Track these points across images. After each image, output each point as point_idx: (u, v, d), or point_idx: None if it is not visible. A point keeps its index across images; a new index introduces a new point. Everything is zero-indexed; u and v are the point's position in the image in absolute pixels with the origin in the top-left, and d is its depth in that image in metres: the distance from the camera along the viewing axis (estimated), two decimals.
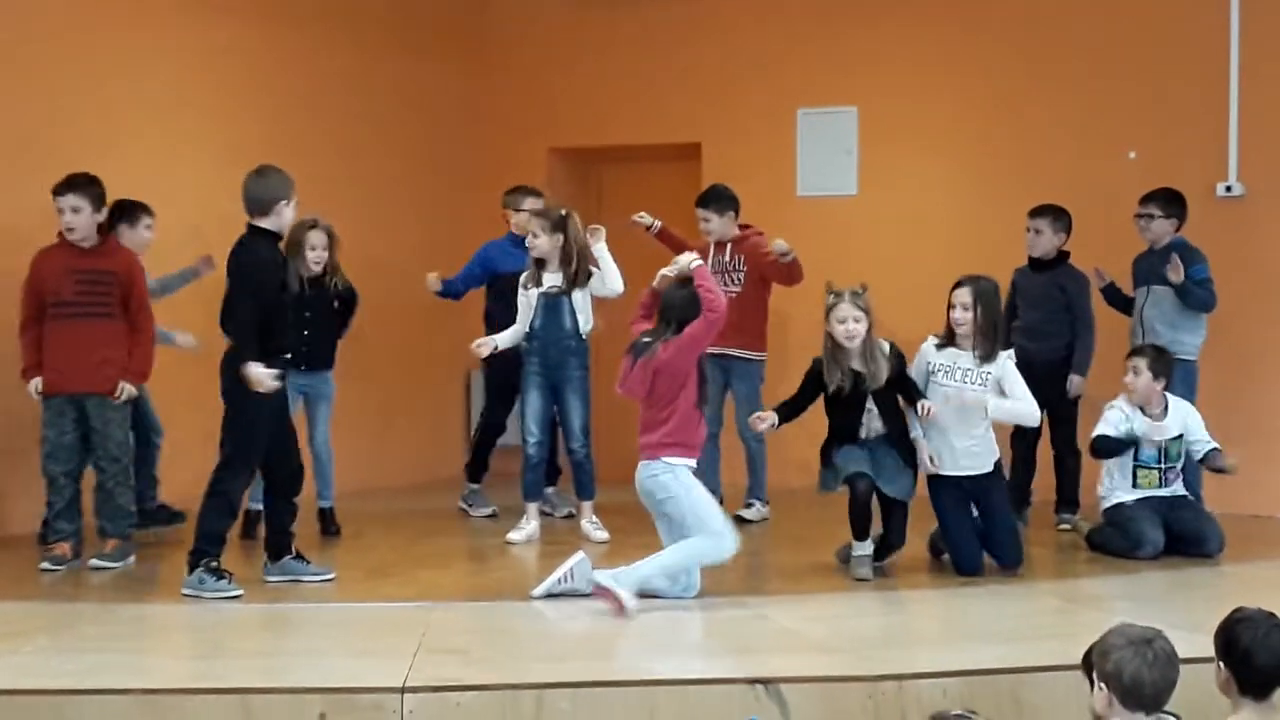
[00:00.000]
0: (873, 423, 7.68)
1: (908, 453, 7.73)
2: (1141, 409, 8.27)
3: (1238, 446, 9.54)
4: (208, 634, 6.50)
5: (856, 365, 7.60)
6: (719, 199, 9.44)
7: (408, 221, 10.96)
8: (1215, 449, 8.32)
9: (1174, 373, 8.44)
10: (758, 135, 11.06)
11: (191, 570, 7.06)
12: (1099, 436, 8.30)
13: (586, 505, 8.76)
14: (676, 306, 7.01)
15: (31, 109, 8.75)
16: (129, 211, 8.45)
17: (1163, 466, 8.32)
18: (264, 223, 7.19)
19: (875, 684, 5.48)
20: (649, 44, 11.41)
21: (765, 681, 5.41)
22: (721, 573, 7.28)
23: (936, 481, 7.76)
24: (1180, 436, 8.32)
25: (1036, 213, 9.23)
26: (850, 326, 7.53)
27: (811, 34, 10.97)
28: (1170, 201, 9.15)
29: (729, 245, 9.40)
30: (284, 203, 7.21)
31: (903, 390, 7.74)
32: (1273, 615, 4.58)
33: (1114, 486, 8.32)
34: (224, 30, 9.84)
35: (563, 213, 8.55)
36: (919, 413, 7.64)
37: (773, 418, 7.63)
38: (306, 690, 5.30)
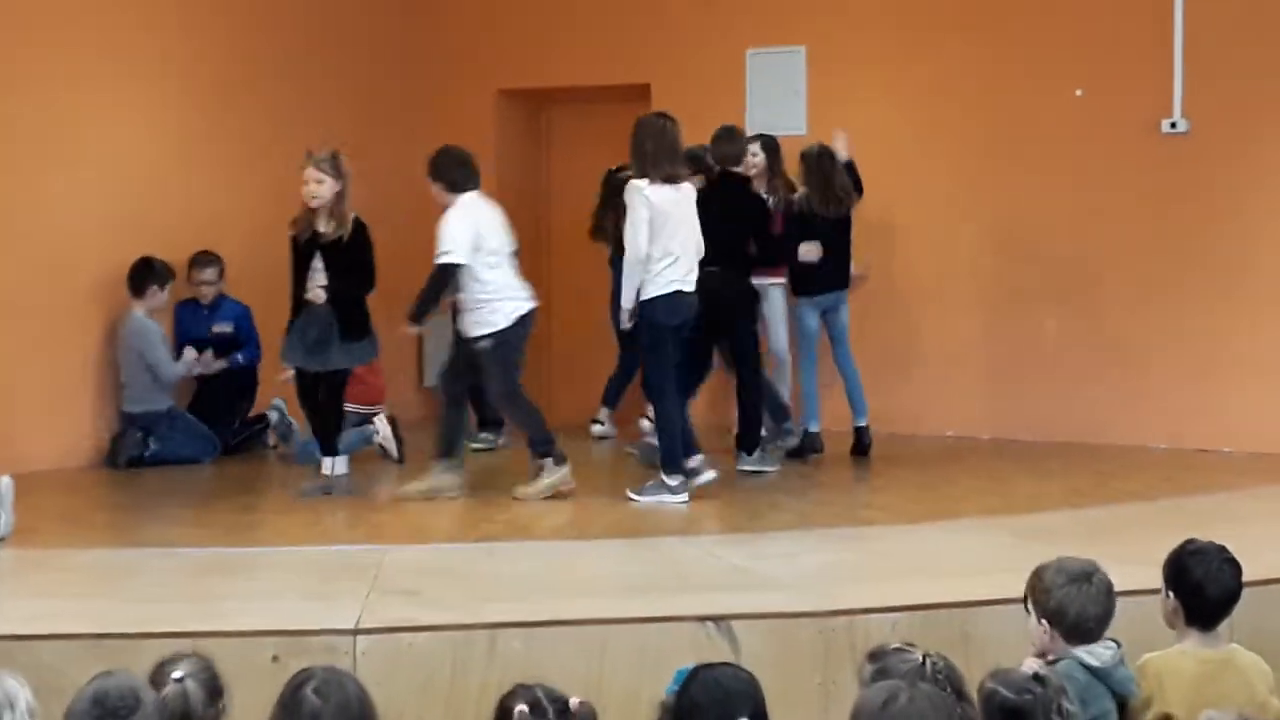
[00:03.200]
0: (316, 281, 8.10)
1: (349, 324, 8.12)
2: None
3: (1182, 381, 9.68)
4: (158, 578, 6.47)
5: (320, 225, 8.12)
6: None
7: (352, 165, 10.79)
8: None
9: None
10: (707, 76, 11.00)
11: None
12: None
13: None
14: None
15: None
16: None
17: None
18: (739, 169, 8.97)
19: (826, 619, 5.53)
20: None
21: (716, 618, 5.45)
22: (669, 513, 7.31)
23: None
24: None
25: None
26: (311, 188, 8.09)
27: None
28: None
29: None
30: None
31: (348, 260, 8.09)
32: (1223, 549, 4.64)
33: None
34: None
35: None
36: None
37: None
38: (258, 633, 5.30)
